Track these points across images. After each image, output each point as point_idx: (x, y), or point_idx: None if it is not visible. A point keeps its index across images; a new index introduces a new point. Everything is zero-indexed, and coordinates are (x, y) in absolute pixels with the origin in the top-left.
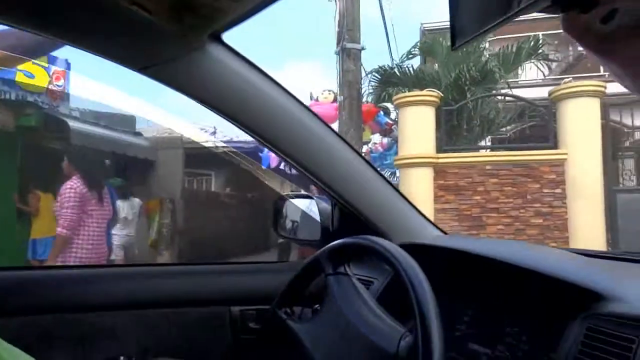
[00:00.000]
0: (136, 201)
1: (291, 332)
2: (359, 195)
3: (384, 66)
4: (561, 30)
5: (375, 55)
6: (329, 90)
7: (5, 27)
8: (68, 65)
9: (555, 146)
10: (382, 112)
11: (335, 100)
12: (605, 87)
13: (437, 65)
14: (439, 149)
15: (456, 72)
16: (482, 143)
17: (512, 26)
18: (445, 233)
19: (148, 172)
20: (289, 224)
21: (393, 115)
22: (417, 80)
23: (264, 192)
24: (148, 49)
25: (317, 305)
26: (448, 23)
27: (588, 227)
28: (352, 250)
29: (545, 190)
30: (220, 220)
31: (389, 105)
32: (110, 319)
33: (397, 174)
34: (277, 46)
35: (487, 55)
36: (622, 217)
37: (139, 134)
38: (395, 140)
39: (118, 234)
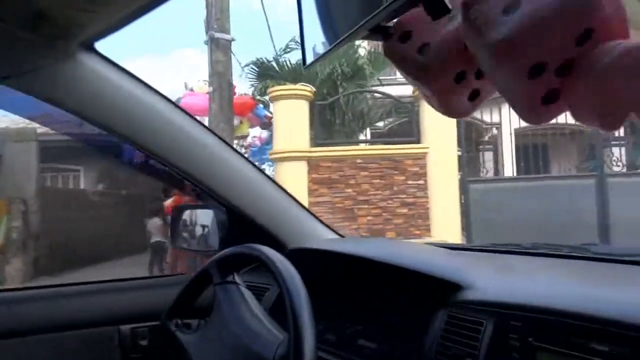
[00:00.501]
0: None
1: (179, 344)
2: (252, 202)
3: (261, 59)
4: None
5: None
6: (205, 80)
7: None
8: None
9: (418, 141)
10: (261, 105)
11: None
12: None
13: None
14: (315, 143)
15: (330, 68)
16: (362, 137)
17: None
18: (342, 236)
19: None
20: (187, 234)
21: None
22: (295, 75)
23: (144, 189)
24: (7, 58)
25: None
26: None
27: (446, 216)
28: (238, 259)
29: (410, 182)
30: (88, 222)
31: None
32: None
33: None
34: (165, 32)
35: (360, 53)
36: (474, 206)
37: None
38: None
39: None
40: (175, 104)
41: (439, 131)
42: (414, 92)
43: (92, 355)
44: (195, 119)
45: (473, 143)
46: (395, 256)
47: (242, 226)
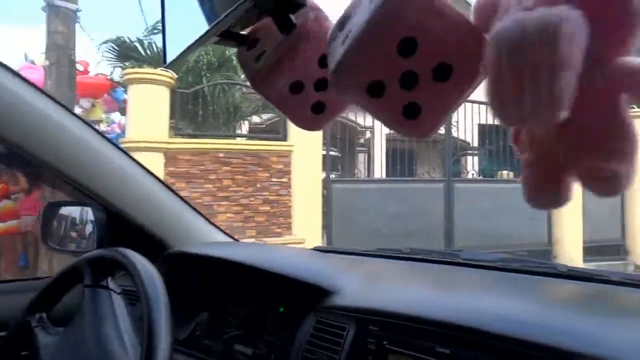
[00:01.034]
0: None
1: (35, 343)
2: (133, 202)
3: (122, 37)
4: None
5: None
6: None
7: None
8: None
9: (285, 138)
10: (122, 89)
11: None
12: None
13: None
14: (174, 134)
15: (196, 56)
16: (240, 131)
17: None
18: (235, 239)
19: None
20: (60, 234)
21: None
22: (161, 59)
23: None
24: None
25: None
26: None
27: (308, 215)
28: (108, 262)
29: (274, 179)
30: None
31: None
32: None
33: None
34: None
35: None
36: (336, 206)
37: None
38: None
39: None
40: (42, 91)
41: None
42: None
43: None
44: (68, 109)
45: (347, 144)
46: (270, 261)
47: (123, 227)
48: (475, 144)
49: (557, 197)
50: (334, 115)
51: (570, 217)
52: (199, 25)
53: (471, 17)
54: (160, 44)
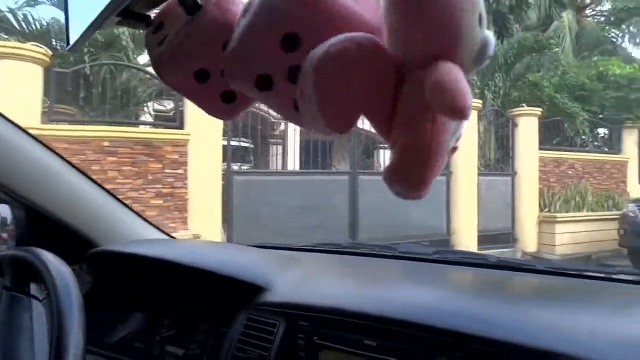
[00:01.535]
0: None
1: None
2: (55, 198)
3: None
4: None
5: None
6: None
7: None
8: None
9: (181, 126)
10: None
11: None
12: None
13: None
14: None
15: None
16: (143, 118)
17: None
18: (171, 236)
19: None
20: None
21: None
22: (40, 34)
23: None
24: None
25: None
26: None
27: (206, 208)
28: (22, 263)
29: (168, 171)
30: None
31: None
32: None
33: None
34: None
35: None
36: (237, 199)
37: None
38: None
39: None
40: None
41: (203, 118)
42: None
43: None
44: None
45: (259, 135)
46: (201, 259)
47: (44, 225)
48: None
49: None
50: (247, 105)
51: (467, 208)
52: (101, 3)
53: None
54: (38, 17)
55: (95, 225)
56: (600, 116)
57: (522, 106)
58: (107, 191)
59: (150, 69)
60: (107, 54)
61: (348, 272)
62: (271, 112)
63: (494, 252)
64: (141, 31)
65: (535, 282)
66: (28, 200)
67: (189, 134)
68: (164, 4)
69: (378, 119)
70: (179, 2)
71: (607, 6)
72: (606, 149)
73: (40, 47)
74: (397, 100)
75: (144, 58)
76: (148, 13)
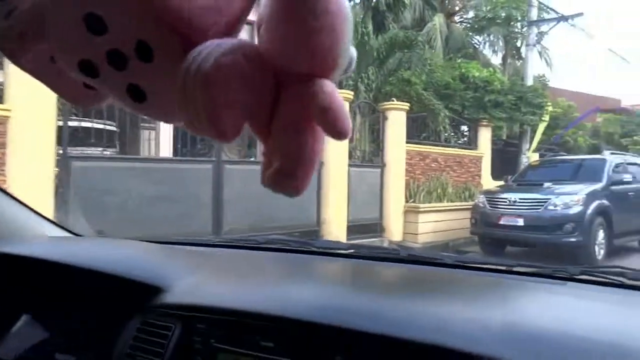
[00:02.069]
0: None
1: None
2: None
3: None
4: None
5: None
6: None
7: None
8: None
9: (0, 100)
10: None
11: None
12: None
13: None
14: None
15: None
16: None
17: None
18: (74, 233)
19: None
20: None
21: None
22: None
23: None
24: None
25: None
26: None
27: (34, 197)
28: None
29: None
30: None
31: None
32: None
33: None
34: None
35: None
36: (76, 186)
37: None
38: None
39: None
40: None
41: (31, 92)
42: None
43: None
44: None
45: (128, 119)
46: (95, 259)
47: None
48: None
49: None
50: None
51: (337, 199)
52: None
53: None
54: None
55: None
56: (462, 114)
57: (393, 101)
58: (3, 190)
59: None
60: None
61: (256, 270)
62: None
63: (363, 242)
64: None
65: (445, 277)
66: None
67: (9, 110)
68: None
69: (258, 126)
70: None
71: (472, 14)
72: (465, 145)
73: None
74: (275, 108)
75: None
76: None
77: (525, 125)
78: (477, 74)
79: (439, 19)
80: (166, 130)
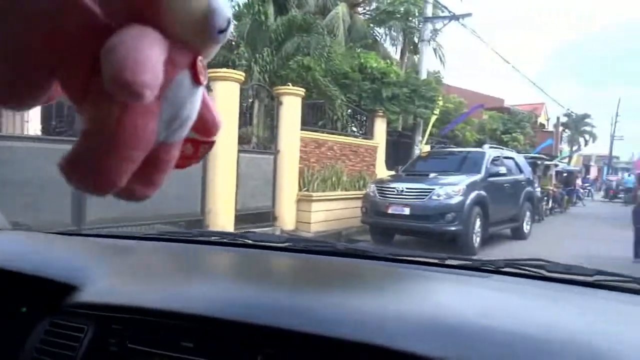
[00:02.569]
0: None
1: None
2: None
3: None
4: None
5: None
6: None
7: None
8: None
9: None
10: None
11: None
12: None
13: None
14: None
15: None
16: None
17: None
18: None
19: None
20: None
21: None
22: None
23: None
24: None
25: None
26: None
27: None
28: None
29: None
30: None
31: None
32: None
33: None
34: None
35: None
36: None
37: None
38: None
39: None
40: None
41: None
42: None
43: None
44: None
45: None
46: (7, 257)
47: None
48: None
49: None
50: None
51: (224, 187)
52: None
53: None
54: None
55: None
56: (360, 104)
57: (289, 85)
58: None
59: None
60: None
61: (181, 265)
62: None
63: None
64: None
65: (378, 271)
66: None
67: None
68: None
69: (69, 89)
70: None
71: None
72: (362, 135)
73: None
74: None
75: None
76: None
77: (418, 118)
78: (375, 64)
79: (342, 8)
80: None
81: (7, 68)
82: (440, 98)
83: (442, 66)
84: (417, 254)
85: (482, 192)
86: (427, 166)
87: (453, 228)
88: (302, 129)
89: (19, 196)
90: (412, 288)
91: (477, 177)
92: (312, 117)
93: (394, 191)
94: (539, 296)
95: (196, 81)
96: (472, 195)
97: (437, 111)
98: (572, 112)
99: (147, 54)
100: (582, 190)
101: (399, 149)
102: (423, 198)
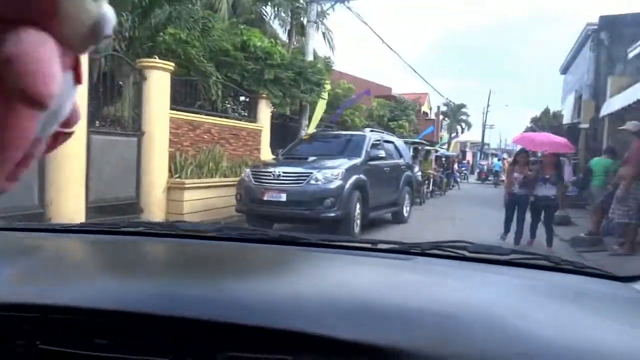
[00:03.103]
0: None
1: None
2: None
3: None
4: None
5: None
6: None
7: None
8: None
9: None
10: None
11: None
12: None
13: None
14: None
15: None
16: None
17: None
18: None
19: None
20: None
21: None
22: None
23: None
24: None
25: None
26: None
27: None
28: None
29: None
30: None
31: None
32: None
33: None
34: None
35: None
36: None
37: None
38: None
39: None
40: None
41: None
42: None
43: None
44: None
45: None
46: None
47: None
48: None
49: None
50: None
51: (70, 174)
52: None
53: None
54: None
55: None
56: (242, 85)
57: (155, 58)
58: None
59: None
60: None
61: (100, 259)
62: None
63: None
64: None
65: (310, 257)
66: None
67: None
68: None
69: None
70: None
71: None
72: (245, 117)
73: None
74: None
75: None
76: None
77: (304, 102)
78: (259, 43)
79: None
80: None
81: None
82: (327, 82)
83: (332, 52)
84: (348, 239)
85: (362, 176)
86: (308, 150)
87: (332, 214)
88: (173, 109)
89: None
90: (339, 273)
91: (357, 160)
92: (188, 96)
93: (270, 176)
94: (460, 277)
95: (78, 81)
96: (352, 179)
97: (324, 95)
98: (451, 101)
99: (52, 65)
100: (459, 174)
101: (286, 133)
102: (300, 183)
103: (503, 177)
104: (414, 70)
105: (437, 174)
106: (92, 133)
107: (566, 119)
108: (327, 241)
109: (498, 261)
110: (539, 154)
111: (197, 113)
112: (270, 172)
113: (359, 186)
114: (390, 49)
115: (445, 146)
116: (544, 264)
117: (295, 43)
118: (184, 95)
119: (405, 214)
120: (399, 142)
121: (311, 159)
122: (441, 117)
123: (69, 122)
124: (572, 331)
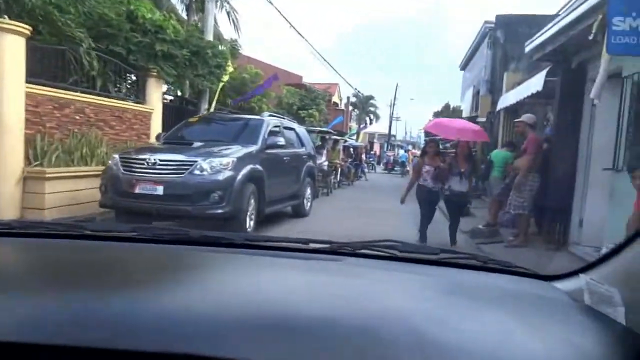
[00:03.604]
0: None
1: None
2: None
3: None
4: None
5: None
6: None
7: None
8: None
9: None
10: None
11: None
12: None
13: None
14: None
15: None
16: None
17: None
18: None
19: None
20: None
21: None
22: None
23: None
24: None
25: None
26: None
27: None
28: None
29: None
30: None
31: None
32: None
33: None
34: None
35: None
36: None
37: None
38: None
39: None
40: None
41: None
42: None
43: None
44: None
45: None
46: None
47: None
48: None
49: None
50: None
51: None
52: None
53: None
54: None
55: None
56: (128, 60)
57: (4, 18)
58: None
59: None
60: None
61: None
62: None
63: None
64: None
65: (230, 259)
66: None
67: None
68: None
69: None
70: None
71: None
72: (130, 97)
73: None
74: None
75: None
76: None
77: (204, 84)
78: (149, 15)
79: None
80: None
81: None
82: (229, 65)
83: (238, 33)
84: (276, 239)
85: (258, 167)
86: (195, 134)
87: (219, 210)
88: (31, 82)
89: None
90: (257, 280)
91: (252, 148)
92: (60, 70)
93: (143, 164)
94: (386, 280)
95: None
96: (245, 169)
97: (224, 78)
98: (360, 93)
99: None
100: (366, 165)
101: (182, 117)
102: (182, 173)
103: (409, 168)
104: (324, 59)
105: (345, 164)
106: None
107: (465, 113)
108: (253, 241)
109: (427, 261)
110: (448, 145)
111: (66, 89)
112: (144, 159)
113: (254, 177)
114: (299, 34)
115: (355, 137)
116: (472, 263)
117: (196, 20)
118: (53, 68)
119: (307, 207)
120: (301, 130)
121: (197, 144)
122: (350, 107)
123: None
124: (492, 341)
